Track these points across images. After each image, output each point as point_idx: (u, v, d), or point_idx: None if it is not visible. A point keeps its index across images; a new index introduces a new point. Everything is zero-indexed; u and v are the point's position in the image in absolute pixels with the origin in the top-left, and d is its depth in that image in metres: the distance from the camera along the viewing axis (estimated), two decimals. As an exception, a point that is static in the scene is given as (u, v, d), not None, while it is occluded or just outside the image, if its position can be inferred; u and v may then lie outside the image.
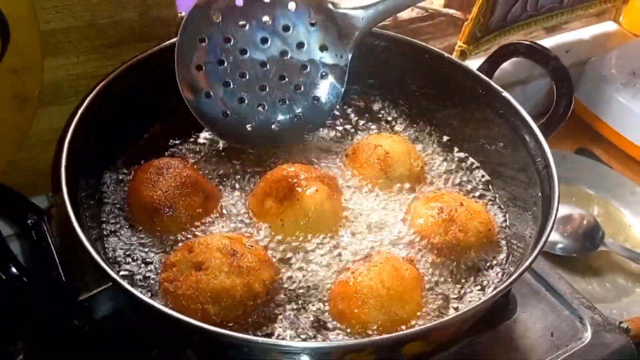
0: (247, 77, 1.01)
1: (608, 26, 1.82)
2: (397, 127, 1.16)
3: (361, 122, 1.16)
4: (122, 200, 0.95)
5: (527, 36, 1.62)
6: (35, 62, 0.98)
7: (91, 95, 0.94)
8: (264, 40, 1.00)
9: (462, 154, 1.11)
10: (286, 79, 1.03)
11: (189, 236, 0.91)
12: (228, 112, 1.01)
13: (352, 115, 1.17)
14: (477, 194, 1.06)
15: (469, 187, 1.07)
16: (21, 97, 1.00)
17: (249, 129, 1.02)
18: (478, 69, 1.09)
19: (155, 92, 1.07)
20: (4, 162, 1.03)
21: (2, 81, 0.95)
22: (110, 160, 1.01)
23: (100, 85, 0.96)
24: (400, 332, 0.69)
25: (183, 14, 1.13)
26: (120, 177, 0.99)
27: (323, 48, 1.02)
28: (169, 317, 0.69)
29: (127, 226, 0.92)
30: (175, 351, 0.89)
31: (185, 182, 0.92)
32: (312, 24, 1.01)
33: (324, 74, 1.03)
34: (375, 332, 0.80)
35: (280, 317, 0.82)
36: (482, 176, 1.08)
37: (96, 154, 0.95)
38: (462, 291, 0.90)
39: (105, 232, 0.90)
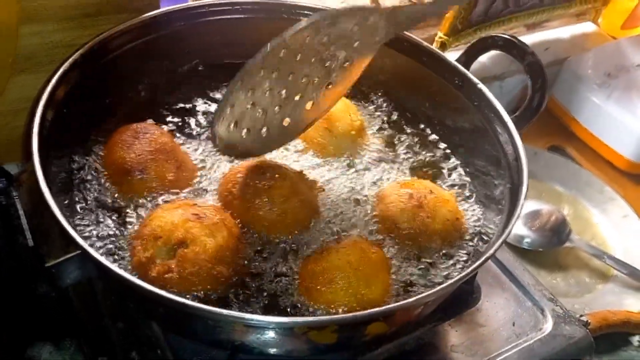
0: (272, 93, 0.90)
1: (587, 27, 1.85)
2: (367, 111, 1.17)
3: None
4: (93, 170, 0.95)
5: (507, 32, 1.64)
6: (10, 29, 0.97)
7: (66, 64, 0.92)
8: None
9: (433, 143, 1.13)
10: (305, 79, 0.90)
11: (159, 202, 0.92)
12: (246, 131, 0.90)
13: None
14: (447, 184, 1.07)
15: (439, 176, 1.08)
16: (-6, 63, 0.99)
17: (263, 134, 0.90)
18: (456, 60, 1.10)
19: (133, 65, 1.06)
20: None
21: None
22: (84, 131, 1.00)
23: (77, 54, 0.95)
24: (363, 312, 0.70)
25: (163, -13, 1.13)
26: (94, 148, 0.98)
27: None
28: (137, 287, 0.69)
29: (98, 194, 0.91)
30: (140, 324, 0.89)
31: (159, 149, 0.92)
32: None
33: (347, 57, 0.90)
34: (340, 311, 0.81)
35: (246, 292, 0.83)
36: (453, 167, 1.09)
37: (69, 124, 0.93)
38: (428, 276, 0.91)
39: (75, 200, 0.90)
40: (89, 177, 0.94)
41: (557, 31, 1.80)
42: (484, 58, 1.65)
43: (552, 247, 1.38)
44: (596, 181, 1.54)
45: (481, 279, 1.05)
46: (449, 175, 1.08)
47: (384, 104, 1.18)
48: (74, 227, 0.74)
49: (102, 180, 0.94)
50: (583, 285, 1.35)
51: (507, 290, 1.06)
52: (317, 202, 0.95)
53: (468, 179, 1.07)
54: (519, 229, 1.40)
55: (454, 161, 1.10)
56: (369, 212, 0.98)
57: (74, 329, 0.97)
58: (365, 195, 1.00)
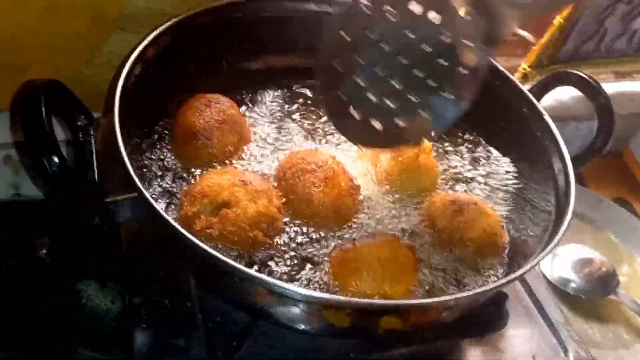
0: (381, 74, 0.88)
1: (680, 86, 1.78)
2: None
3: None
4: (165, 128, 1.03)
5: (594, 75, 1.61)
6: (119, -12, 1.07)
7: (161, 28, 1.01)
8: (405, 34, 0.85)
9: (494, 162, 1.14)
10: (420, 74, 0.86)
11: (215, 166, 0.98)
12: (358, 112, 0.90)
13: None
14: (495, 202, 1.08)
15: (491, 193, 1.09)
16: (100, 17, 1.08)
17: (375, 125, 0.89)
18: (528, 90, 1.12)
19: (224, 42, 1.13)
20: (70, 73, 1.12)
21: (88, -1, 1.04)
22: (164, 92, 1.07)
23: (173, 21, 1.03)
24: (376, 301, 0.73)
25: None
26: (169, 109, 1.06)
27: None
28: (178, 233, 0.76)
29: (163, 150, 1.00)
30: (178, 275, 0.96)
31: (226, 120, 1.00)
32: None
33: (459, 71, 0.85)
34: (360, 301, 0.84)
35: (276, 262, 0.88)
36: (504, 188, 1.10)
37: (153, 83, 1.01)
38: (455, 288, 0.93)
39: (143, 151, 0.98)
40: (159, 134, 1.02)
41: (647, 84, 1.75)
42: (565, 96, 1.65)
43: (596, 296, 1.35)
44: (656, 242, 1.50)
45: (511, 306, 1.05)
46: (500, 196, 1.09)
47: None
48: (136, 172, 0.81)
49: (170, 139, 1.02)
50: (620, 340, 1.31)
51: (534, 322, 1.06)
52: (357, 205, 0.99)
53: (518, 204, 1.08)
54: (566, 272, 1.38)
55: (509, 185, 1.11)
56: (413, 219, 1.00)
57: (118, 268, 1.05)
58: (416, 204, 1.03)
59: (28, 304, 1.17)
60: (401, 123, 0.86)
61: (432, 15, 0.81)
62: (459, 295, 0.78)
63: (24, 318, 1.15)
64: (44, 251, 1.20)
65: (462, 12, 0.80)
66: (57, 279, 1.20)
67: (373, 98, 0.87)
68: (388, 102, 0.86)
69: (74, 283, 1.19)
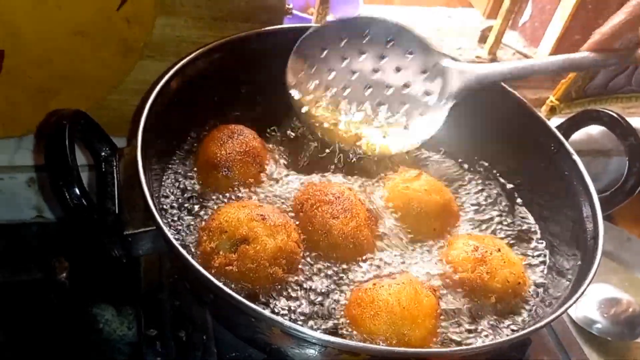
0: (350, 91, 1.05)
1: None
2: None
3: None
4: (187, 159, 1.03)
5: (624, 110, 1.58)
6: (147, 17, 1.07)
7: (187, 58, 1.01)
8: (375, 70, 1.05)
9: (513, 201, 1.12)
10: (385, 105, 1.05)
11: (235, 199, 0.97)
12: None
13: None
14: (519, 246, 1.05)
15: (512, 238, 1.06)
16: (127, 45, 1.09)
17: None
18: (556, 127, 1.09)
19: (249, 73, 1.13)
20: (97, 99, 1.13)
21: (115, 27, 1.05)
22: (188, 122, 1.08)
23: (199, 51, 1.03)
24: (395, 348, 0.71)
25: (291, 5, 1.19)
26: (192, 139, 1.07)
27: (427, 93, 1.03)
28: (196, 271, 0.74)
29: (185, 181, 0.99)
30: (195, 308, 0.95)
31: (248, 151, 0.99)
32: (423, 72, 1.03)
33: (421, 112, 1.04)
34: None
35: (294, 300, 0.86)
36: (531, 231, 1.08)
37: (177, 113, 1.01)
38: (477, 333, 0.90)
39: (164, 182, 0.98)
40: (181, 164, 1.02)
41: (680, 120, 1.71)
42: (594, 131, 1.62)
43: (622, 339, 1.31)
44: (687, 283, 1.45)
45: (535, 353, 1.02)
46: (524, 238, 1.07)
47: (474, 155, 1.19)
48: (156, 205, 0.81)
49: (192, 170, 1.01)
50: (647, 387, 1.27)
51: (558, 368, 1.03)
52: (373, 245, 0.97)
53: (543, 246, 1.05)
54: (591, 312, 1.34)
55: (532, 226, 1.08)
56: (434, 258, 0.98)
57: (135, 298, 1.05)
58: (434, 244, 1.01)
59: (45, 325, 1.17)
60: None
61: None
62: (480, 344, 0.76)
63: (41, 339, 1.15)
64: (64, 275, 1.21)
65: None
66: (76, 302, 1.20)
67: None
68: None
69: (92, 308, 1.19)
